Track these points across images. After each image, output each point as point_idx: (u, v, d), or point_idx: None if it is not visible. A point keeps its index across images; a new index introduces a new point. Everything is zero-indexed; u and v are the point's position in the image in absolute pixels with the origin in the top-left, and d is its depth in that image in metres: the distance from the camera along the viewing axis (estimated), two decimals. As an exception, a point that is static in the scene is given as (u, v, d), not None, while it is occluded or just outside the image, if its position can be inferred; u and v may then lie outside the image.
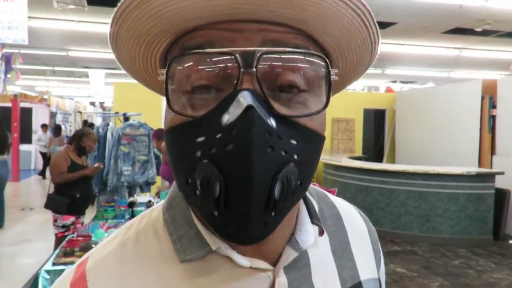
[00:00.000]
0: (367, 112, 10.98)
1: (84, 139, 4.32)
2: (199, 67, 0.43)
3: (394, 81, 16.79)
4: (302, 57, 0.44)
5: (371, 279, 0.62)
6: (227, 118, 0.40)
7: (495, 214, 6.26)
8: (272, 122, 0.41)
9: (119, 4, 0.43)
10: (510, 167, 6.60)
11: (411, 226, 6.34)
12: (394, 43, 9.78)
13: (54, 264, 2.82)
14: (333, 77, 0.46)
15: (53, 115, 14.73)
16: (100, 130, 6.72)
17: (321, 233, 0.57)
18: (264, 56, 0.42)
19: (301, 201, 0.56)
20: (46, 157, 12.28)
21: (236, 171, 0.39)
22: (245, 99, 0.40)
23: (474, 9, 6.97)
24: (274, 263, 0.51)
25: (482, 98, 7.63)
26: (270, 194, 0.41)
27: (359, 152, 10.49)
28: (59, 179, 4.18)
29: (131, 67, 0.53)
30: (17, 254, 5.59)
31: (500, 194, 6.42)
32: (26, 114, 13.76)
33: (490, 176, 6.28)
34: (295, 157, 0.43)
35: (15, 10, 5.96)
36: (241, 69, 0.41)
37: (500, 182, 6.39)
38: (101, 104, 21.25)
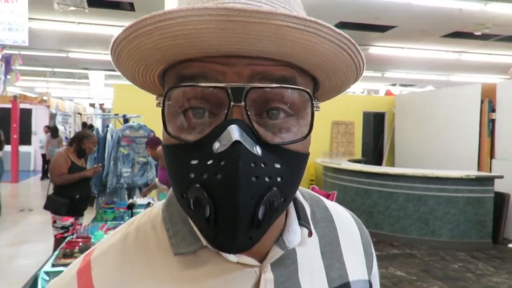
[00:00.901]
0: (366, 115, 10.99)
1: (84, 141, 4.33)
2: (193, 96, 0.47)
3: (394, 84, 16.82)
4: (288, 89, 0.48)
5: (361, 280, 0.64)
6: (217, 146, 0.45)
7: (494, 217, 6.26)
8: (258, 150, 0.46)
9: (116, 35, 0.47)
10: (509, 171, 6.60)
11: (410, 229, 6.34)
12: (393, 47, 9.80)
13: (53, 265, 2.81)
14: (316, 109, 0.50)
15: (52, 116, 14.73)
16: (100, 132, 6.72)
17: (310, 234, 0.60)
18: (253, 89, 0.46)
19: (291, 204, 0.60)
20: (45, 159, 12.30)
21: (224, 198, 0.44)
22: (233, 133, 0.44)
23: (473, 13, 7.00)
24: (262, 260, 0.55)
25: (482, 102, 7.64)
26: (254, 216, 0.45)
27: (358, 155, 10.50)
28: (59, 180, 4.18)
29: (133, 80, 0.57)
30: (15, 255, 5.58)
31: (499, 198, 6.42)
32: (26, 115, 13.76)
33: (489, 180, 6.28)
34: (278, 179, 0.47)
35: (16, 11, 5.97)
36: (231, 102, 0.45)
37: (499, 186, 6.39)
38: (101, 105, 21.25)
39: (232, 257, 0.52)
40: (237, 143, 0.44)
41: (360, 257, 0.67)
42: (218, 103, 0.47)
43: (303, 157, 0.52)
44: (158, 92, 0.57)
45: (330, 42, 0.46)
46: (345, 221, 0.70)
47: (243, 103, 0.45)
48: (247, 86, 0.45)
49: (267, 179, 0.46)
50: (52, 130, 12.04)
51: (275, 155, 0.47)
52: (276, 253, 0.55)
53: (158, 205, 0.62)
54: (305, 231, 0.59)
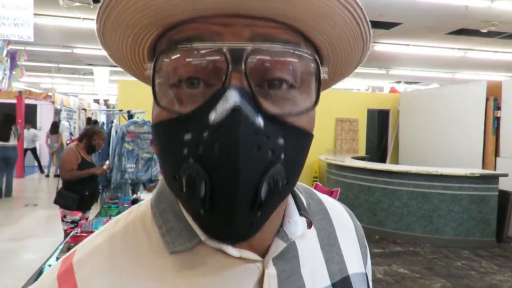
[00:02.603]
0: (371, 112, 10.96)
1: (95, 137, 4.38)
2: (187, 61, 0.43)
3: (399, 82, 16.76)
4: (292, 52, 0.44)
5: (359, 273, 0.63)
6: (214, 116, 0.40)
7: (498, 216, 6.24)
8: (260, 121, 0.41)
9: (100, 3, 0.43)
10: (514, 169, 6.57)
11: (414, 227, 6.33)
12: (398, 44, 9.76)
13: (58, 259, 2.83)
14: (323, 76, 0.46)
15: (57, 112, 14.78)
16: (105, 128, 6.74)
17: (309, 225, 0.57)
18: (253, 52, 0.41)
19: (289, 195, 0.57)
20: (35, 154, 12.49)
21: (223, 171, 0.39)
22: (232, 98, 0.39)
23: (479, 10, 6.95)
24: (263, 255, 0.51)
25: (487, 100, 7.60)
26: (256, 195, 0.40)
27: (362, 153, 10.47)
28: (68, 175, 4.23)
29: (121, 61, 0.53)
30: (20, 250, 5.62)
31: (504, 196, 6.40)
32: (31, 110, 13.81)
33: (494, 178, 6.25)
34: (282, 156, 0.43)
35: (21, 7, 6.00)
36: (230, 66, 0.41)
37: (503, 184, 6.36)
38: (105, 101, 21.30)
39: (233, 252, 0.48)
40: (237, 109, 0.39)
41: (356, 249, 0.66)
42: (214, 70, 0.42)
43: (307, 136, 0.48)
44: (148, 80, 0.51)
45: (336, 2, 0.42)
46: (339, 213, 0.68)
47: (243, 67, 0.41)
48: (247, 47, 0.41)
49: (270, 154, 0.41)
50: (52, 126, 12.11)
51: (278, 128, 0.43)
52: (278, 246, 0.52)
53: (145, 202, 0.57)
54: (305, 221, 0.57)
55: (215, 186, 0.40)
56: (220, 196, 0.40)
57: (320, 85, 0.46)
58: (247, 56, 0.41)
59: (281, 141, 0.43)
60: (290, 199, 0.56)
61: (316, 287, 0.55)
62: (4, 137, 8.81)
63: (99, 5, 0.43)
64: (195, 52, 0.42)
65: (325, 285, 0.56)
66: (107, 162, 4.94)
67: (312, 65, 0.45)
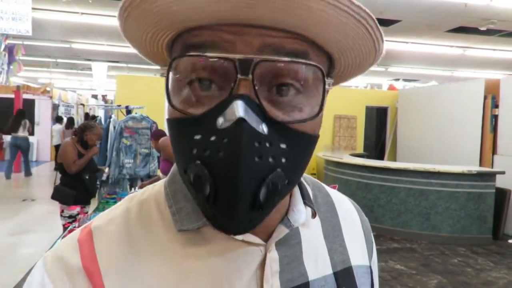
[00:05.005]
0: (369, 109, 10.97)
1: (87, 132, 4.36)
2: (199, 65, 0.45)
3: (397, 79, 16.77)
4: (299, 63, 0.45)
5: (363, 265, 0.64)
6: (221, 122, 0.43)
7: (495, 213, 6.27)
8: (264, 128, 0.44)
9: (122, 1, 0.45)
10: (511, 167, 6.59)
11: (411, 224, 6.36)
12: (397, 41, 9.75)
13: (55, 254, 2.84)
14: (328, 87, 0.48)
15: (55, 107, 14.75)
16: (103, 123, 6.74)
17: (313, 215, 0.59)
18: (261, 63, 0.43)
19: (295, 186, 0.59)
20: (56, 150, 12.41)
21: (225, 176, 0.42)
22: (238, 108, 0.42)
23: (479, 8, 6.95)
24: (266, 239, 0.54)
25: (485, 98, 7.61)
26: (255, 197, 0.43)
27: (360, 150, 10.50)
28: (75, 167, 4.23)
29: (140, 48, 0.55)
30: (18, 244, 5.62)
31: (501, 194, 6.43)
32: (29, 105, 13.78)
33: (491, 176, 6.28)
34: (283, 161, 0.45)
35: (20, 1, 5.97)
36: (238, 75, 0.43)
37: (500, 182, 6.39)
38: (104, 97, 21.27)
39: (237, 235, 0.51)
40: (241, 120, 0.41)
41: (361, 243, 0.67)
42: (225, 75, 0.45)
43: (312, 139, 0.50)
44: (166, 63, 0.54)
45: (346, 14, 0.43)
46: (346, 207, 0.70)
47: (250, 77, 0.43)
48: (255, 59, 0.43)
49: (270, 160, 0.44)
50: (67, 121, 12.19)
51: (281, 134, 0.45)
52: (281, 231, 0.54)
53: (160, 182, 0.60)
54: (309, 211, 0.59)
55: (218, 188, 0.43)
56: (222, 197, 0.43)
57: (325, 95, 0.48)
58: (255, 66, 0.43)
59: (283, 146, 0.45)
60: (296, 189, 0.59)
61: (317, 275, 0.57)
62: (14, 129, 10.58)
63: (119, 4, 0.45)
64: (207, 58, 0.45)
65: (326, 273, 0.58)
66: (107, 170, 4.97)
67: (319, 75, 0.47)
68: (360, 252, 0.65)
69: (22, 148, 10.76)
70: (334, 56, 0.51)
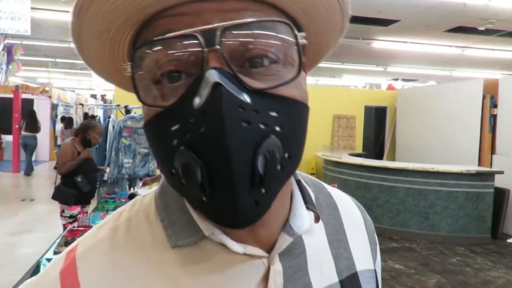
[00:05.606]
0: (368, 109, 10.98)
1: (90, 131, 4.37)
2: (164, 54, 0.42)
3: (396, 79, 16.78)
4: (266, 22, 0.43)
5: (367, 270, 0.61)
6: (198, 101, 0.39)
7: (493, 213, 6.28)
8: (246, 97, 0.40)
9: (71, 10, 0.43)
10: (509, 167, 6.61)
11: (410, 223, 6.37)
12: (396, 41, 9.77)
13: (55, 253, 2.84)
14: (302, 41, 0.44)
15: (54, 107, 14.73)
16: (102, 122, 6.74)
17: (317, 219, 0.55)
18: (226, 31, 0.40)
19: (296, 187, 0.55)
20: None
21: (213, 151, 0.38)
22: (211, 77, 0.39)
23: (477, 8, 6.97)
24: (269, 250, 0.49)
25: (484, 97, 7.63)
26: (253, 170, 0.39)
27: (359, 149, 10.50)
28: (64, 168, 4.24)
29: (102, 71, 0.52)
30: (17, 244, 5.62)
31: (499, 193, 6.44)
32: (28, 105, 13.76)
33: (490, 175, 6.29)
34: (277, 128, 0.41)
35: (18, 1, 5.97)
36: (205, 49, 0.40)
37: (499, 181, 6.41)
38: (103, 96, 21.23)
39: (238, 248, 0.46)
40: (217, 85, 0.38)
41: (365, 245, 0.63)
42: (192, 58, 0.41)
43: (301, 106, 0.46)
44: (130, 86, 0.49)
45: None
46: (348, 208, 0.65)
47: (218, 47, 0.40)
48: (219, 27, 0.40)
49: (262, 126, 0.40)
50: (67, 121, 12.17)
51: (268, 102, 0.42)
52: (284, 241, 0.49)
53: (150, 193, 0.55)
54: (312, 215, 0.54)
55: (209, 168, 0.39)
56: (217, 177, 0.39)
57: (301, 52, 0.44)
58: (221, 35, 0.40)
59: (274, 114, 0.42)
60: (296, 191, 0.54)
61: (323, 284, 0.53)
62: (34, 129, 11.51)
63: (71, 12, 0.43)
64: (169, 43, 0.42)
65: (332, 282, 0.55)
66: (108, 170, 4.96)
67: (288, 33, 0.44)
68: (364, 255, 0.62)
69: (30, 147, 11.23)
70: (300, 21, 0.48)
